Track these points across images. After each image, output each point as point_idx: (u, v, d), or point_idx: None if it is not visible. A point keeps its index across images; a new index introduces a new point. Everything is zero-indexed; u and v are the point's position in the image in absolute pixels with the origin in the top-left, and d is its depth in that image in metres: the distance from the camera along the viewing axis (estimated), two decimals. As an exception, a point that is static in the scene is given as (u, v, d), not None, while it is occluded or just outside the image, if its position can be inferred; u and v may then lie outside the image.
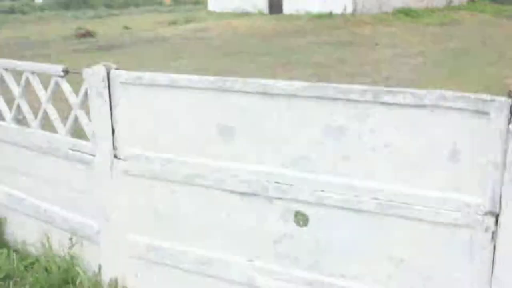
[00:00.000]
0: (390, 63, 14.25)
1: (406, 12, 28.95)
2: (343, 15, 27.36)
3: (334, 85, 2.55)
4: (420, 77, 12.21)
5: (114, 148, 3.43)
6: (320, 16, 26.98)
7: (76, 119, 3.66)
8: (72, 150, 3.75)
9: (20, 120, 4.18)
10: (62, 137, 3.83)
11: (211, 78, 2.99)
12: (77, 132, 3.84)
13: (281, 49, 17.46)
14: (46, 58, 16.78)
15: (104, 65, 3.33)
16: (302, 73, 12.83)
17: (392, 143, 2.51)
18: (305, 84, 2.62)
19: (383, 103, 2.44)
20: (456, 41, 19.47)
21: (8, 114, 4.24)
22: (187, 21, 28.51)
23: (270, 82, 2.74)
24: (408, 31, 23.32)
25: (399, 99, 2.40)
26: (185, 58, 15.90)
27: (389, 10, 29.62)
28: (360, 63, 14.39)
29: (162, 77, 3.18)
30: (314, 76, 12.43)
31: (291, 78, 11.61)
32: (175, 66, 14.32)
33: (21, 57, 17.04)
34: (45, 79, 3.81)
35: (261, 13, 30.36)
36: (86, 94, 3.50)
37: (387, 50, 17.00)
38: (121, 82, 3.30)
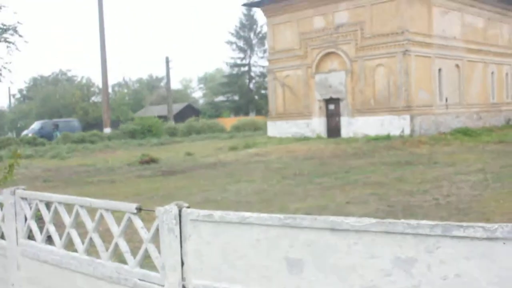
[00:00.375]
0: (450, 181, 14.09)
1: (464, 132, 29.06)
2: (401, 136, 27.63)
3: (403, 221, 2.58)
4: (482, 193, 12.00)
5: (183, 279, 3.54)
6: (377, 138, 27.31)
7: (146, 252, 3.79)
8: (141, 280, 3.86)
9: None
10: (131, 268, 3.96)
11: (281, 215, 3.08)
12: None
13: (339, 171, 17.59)
14: (111, 184, 17.49)
15: (176, 204, 3.51)
16: (361, 193, 12.83)
17: (464, 273, 2.48)
18: (374, 220, 2.67)
19: (453, 237, 2.45)
20: (518, 157, 19.18)
21: (80, 246, 4.42)
22: (247, 146, 29.27)
23: (338, 219, 2.80)
24: (467, 150, 23.19)
25: (470, 232, 2.40)
26: (244, 181, 16.19)
27: (446, 130, 29.86)
28: (420, 181, 14.30)
29: (232, 215, 3.29)
30: (373, 195, 12.40)
31: (350, 199, 11.66)
32: (235, 189, 14.57)
33: (88, 183, 17.88)
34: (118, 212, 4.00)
35: (319, 137, 31.03)
36: (157, 229, 3.64)
37: (447, 168, 16.87)
38: (191, 220, 3.45)
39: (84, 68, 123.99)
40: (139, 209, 3.79)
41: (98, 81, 63.55)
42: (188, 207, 3.50)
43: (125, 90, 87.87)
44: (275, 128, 34.71)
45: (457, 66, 32.98)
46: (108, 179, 19.13)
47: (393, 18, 29.06)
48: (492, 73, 36.72)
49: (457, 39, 32.96)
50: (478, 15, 35.14)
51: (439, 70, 31.37)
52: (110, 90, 65.71)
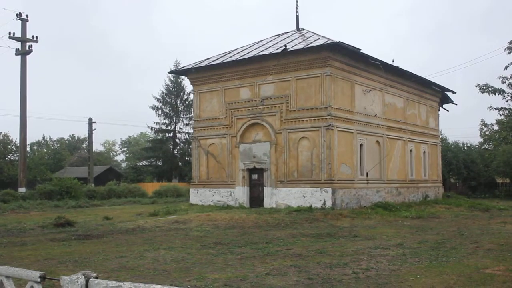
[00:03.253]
0: (369, 255, 14.24)
1: (384, 206, 29.86)
2: (322, 208, 27.94)
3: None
4: (399, 268, 12.15)
5: None
6: (299, 210, 27.48)
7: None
8: None
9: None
10: None
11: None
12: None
13: (260, 241, 17.45)
14: (22, 246, 16.54)
15: (84, 274, 3.27)
16: (281, 265, 12.69)
17: None
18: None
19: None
20: (434, 233, 19.73)
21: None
22: (168, 212, 28.77)
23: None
24: (386, 224, 23.72)
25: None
26: (163, 248, 15.74)
27: (367, 204, 30.55)
28: (340, 254, 14.35)
29: (141, 286, 3.10)
30: (293, 267, 12.28)
31: (270, 270, 11.47)
32: (152, 257, 14.11)
33: (-4, 245, 16.84)
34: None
35: (242, 207, 30.92)
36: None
37: (366, 242, 17.08)
38: (100, 290, 3.20)
39: (2, 124, 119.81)
40: (43, 278, 3.50)
41: (16, 137, 61.45)
42: (96, 277, 3.26)
43: (45, 150, 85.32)
44: (198, 196, 34.39)
45: (377, 142, 34.10)
46: (19, 241, 18.15)
47: (317, 93, 29.91)
48: (411, 151, 38.22)
49: (378, 117, 34.25)
50: (398, 95, 36.86)
51: (361, 145, 32.31)
52: (28, 148, 63.68)
